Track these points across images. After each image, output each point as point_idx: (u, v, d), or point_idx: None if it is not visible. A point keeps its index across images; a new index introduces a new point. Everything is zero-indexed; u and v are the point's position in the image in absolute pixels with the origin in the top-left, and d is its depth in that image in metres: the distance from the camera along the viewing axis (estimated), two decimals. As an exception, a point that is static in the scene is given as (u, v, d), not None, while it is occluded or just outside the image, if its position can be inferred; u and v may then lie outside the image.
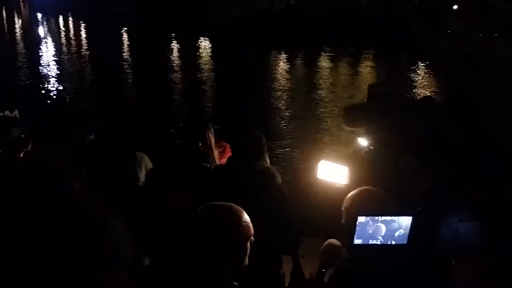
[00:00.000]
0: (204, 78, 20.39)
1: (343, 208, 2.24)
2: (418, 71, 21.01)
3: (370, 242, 2.06)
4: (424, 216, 2.34)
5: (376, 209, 2.09)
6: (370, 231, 2.07)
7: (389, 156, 2.99)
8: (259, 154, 3.21)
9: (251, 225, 1.89)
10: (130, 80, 21.00)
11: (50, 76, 21.10)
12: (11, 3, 76.32)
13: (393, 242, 2.08)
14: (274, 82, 19.37)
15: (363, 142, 3.34)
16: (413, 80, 19.37)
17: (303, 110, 14.57)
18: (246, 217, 1.88)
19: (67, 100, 16.61)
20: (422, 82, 19.13)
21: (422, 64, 21.83)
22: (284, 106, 15.41)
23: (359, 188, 2.23)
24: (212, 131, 3.62)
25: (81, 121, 4.11)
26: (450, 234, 2.53)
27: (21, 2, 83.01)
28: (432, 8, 27.28)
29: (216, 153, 3.61)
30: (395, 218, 2.05)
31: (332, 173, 3.03)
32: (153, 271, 2.00)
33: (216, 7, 36.37)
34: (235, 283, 1.80)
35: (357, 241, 2.06)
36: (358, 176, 2.88)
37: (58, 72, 22.04)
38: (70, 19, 50.25)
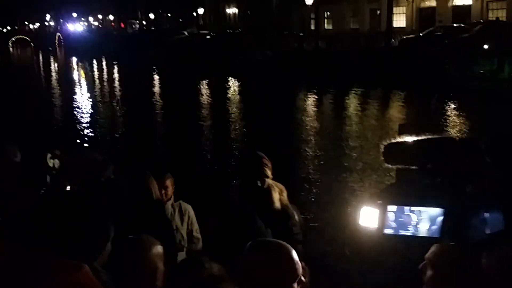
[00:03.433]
0: (232, 117, 20.53)
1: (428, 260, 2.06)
2: (449, 111, 20.71)
3: (400, 233, 1.96)
4: (456, 208, 2.27)
5: (408, 199, 2.00)
6: (401, 221, 1.96)
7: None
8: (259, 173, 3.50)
9: (299, 265, 1.83)
10: (160, 120, 21.33)
11: (84, 119, 21.56)
12: (47, 48, 79.42)
13: (425, 235, 1.97)
14: (303, 121, 19.37)
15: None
16: (444, 120, 19.07)
17: (332, 150, 14.44)
18: (295, 256, 1.84)
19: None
20: (453, 122, 18.82)
21: (453, 104, 21.54)
22: (313, 146, 15.31)
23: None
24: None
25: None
26: (480, 226, 2.44)
27: (57, 47, 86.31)
28: (462, 47, 27.11)
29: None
30: (427, 209, 1.94)
31: (376, 219, 2.86)
32: None
33: (245, 49, 36.98)
34: None
35: (387, 231, 1.95)
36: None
37: (91, 115, 22.52)
38: (104, 62, 51.84)
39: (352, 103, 23.84)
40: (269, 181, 3.61)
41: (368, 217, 2.95)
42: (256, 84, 28.62)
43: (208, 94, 28.27)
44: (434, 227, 1.97)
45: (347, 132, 17.32)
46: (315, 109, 23.07)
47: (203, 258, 2.14)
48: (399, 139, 4.11)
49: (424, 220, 1.97)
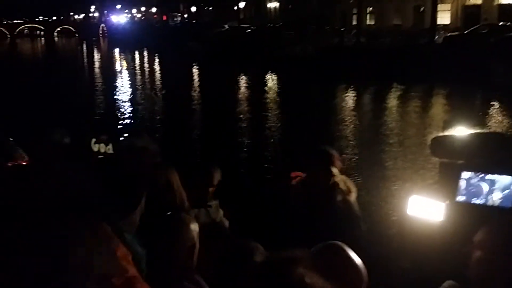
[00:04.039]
0: (270, 112, 20.56)
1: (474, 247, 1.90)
2: (492, 109, 20.20)
3: (472, 201, 1.92)
4: None
5: (482, 166, 1.94)
6: (474, 189, 1.92)
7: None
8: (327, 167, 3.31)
9: (364, 272, 1.75)
10: (197, 113, 21.56)
11: (124, 108, 22.02)
12: (91, 39, 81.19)
13: (498, 204, 1.92)
14: (342, 117, 19.25)
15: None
16: (488, 118, 18.62)
17: (372, 145, 14.31)
18: (358, 262, 1.75)
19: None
20: (497, 120, 18.37)
21: (496, 103, 20.98)
22: (353, 141, 15.21)
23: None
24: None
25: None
26: None
27: (100, 38, 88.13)
28: (508, 46, 26.31)
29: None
30: (502, 177, 1.89)
31: (426, 209, 2.87)
32: None
33: (286, 44, 36.87)
34: None
35: (460, 198, 1.92)
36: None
37: (131, 104, 22.97)
38: (145, 54, 52.61)
39: (393, 99, 23.52)
40: (336, 178, 3.42)
41: (417, 206, 2.97)
42: (296, 79, 28.53)
43: (246, 89, 28.38)
44: (507, 196, 1.91)
45: (388, 128, 17.11)
46: (356, 105, 22.85)
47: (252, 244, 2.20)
48: (446, 133, 4.07)
49: (497, 189, 1.93)
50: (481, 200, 1.90)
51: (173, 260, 2.30)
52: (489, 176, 1.87)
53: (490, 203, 1.91)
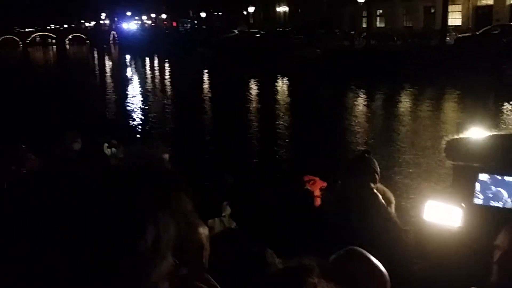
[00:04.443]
0: (281, 115, 20.51)
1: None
2: (505, 111, 19.98)
3: (491, 204, 1.86)
4: None
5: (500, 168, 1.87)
6: (492, 192, 1.85)
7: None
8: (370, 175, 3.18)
9: (387, 278, 1.70)
10: (207, 116, 21.58)
11: (135, 113, 22.12)
12: (102, 46, 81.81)
13: None
14: (353, 120, 19.14)
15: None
16: (501, 120, 18.42)
17: (384, 148, 14.18)
18: (381, 267, 1.71)
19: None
20: (510, 122, 18.18)
21: (509, 105, 20.75)
22: (365, 145, 15.08)
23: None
24: None
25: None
26: None
27: (111, 45, 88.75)
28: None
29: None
30: None
31: (442, 214, 2.79)
32: None
33: (295, 47, 36.84)
34: None
35: (477, 200, 1.86)
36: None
37: (142, 110, 23.06)
38: (156, 60, 52.87)
39: (405, 101, 23.35)
40: (376, 189, 3.19)
41: (433, 212, 2.90)
42: (306, 82, 28.46)
43: (256, 92, 28.36)
44: None
45: (400, 130, 16.98)
46: (367, 107, 22.71)
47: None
48: (461, 136, 3.99)
49: None
50: (499, 203, 1.84)
51: (182, 261, 2.29)
52: (508, 178, 1.81)
53: (508, 205, 1.84)
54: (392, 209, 3.25)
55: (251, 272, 2.01)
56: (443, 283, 2.65)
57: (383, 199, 3.21)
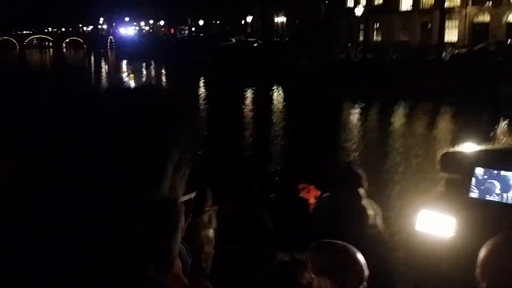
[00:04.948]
0: (276, 126, 20.50)
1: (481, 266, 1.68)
2: (500, 128, 20.06)
3: (486, 198, 1.84)
4: None
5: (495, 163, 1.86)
6: (487, 186, 1.84)
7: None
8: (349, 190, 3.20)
9: (365, 268, 1.72)
10: (204, 123, 21.52)
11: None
12: (99, 50, 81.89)
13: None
14: (347, 133, 19.15)
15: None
16: (496, 136, 18.49)
17: (378, 160, 14.17)
18: (361, 258, 1.73)
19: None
20: (505, 138, 18.25)
21: (504, 122, 20.84)
22: (359, 157, 15.07)
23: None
24: None
25: None
26: None
27: (108, 50, 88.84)
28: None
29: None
30: None
31: (435, 224, 2.74)
32: None
33: (292, 57, 36.96)
34: None
35: (472, 194, 1.84)
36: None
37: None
38: (152, 66, 52.92)
39: (399, 116, 23.41)
40: (364, 201, 3.22)
41: (425, 221, 2.84)
42: (302, 92, 28.50)
43: (252, 101, 28.37)
44: None
45: (394, 144, 16.99)
46: (362, 120, 22.74)
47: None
48: (455, 149, 3.96)
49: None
50: (495, 197, 1.82)
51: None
52: (504, 173, 1.79)
53: (505, 201, 1.83)
54: (379, 221, 3.29)
55: (257, 271, 1.99)
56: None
57: (370, 211, 3.25)
